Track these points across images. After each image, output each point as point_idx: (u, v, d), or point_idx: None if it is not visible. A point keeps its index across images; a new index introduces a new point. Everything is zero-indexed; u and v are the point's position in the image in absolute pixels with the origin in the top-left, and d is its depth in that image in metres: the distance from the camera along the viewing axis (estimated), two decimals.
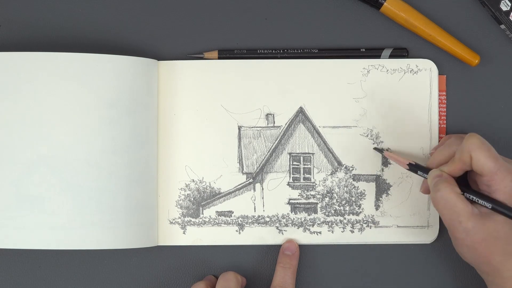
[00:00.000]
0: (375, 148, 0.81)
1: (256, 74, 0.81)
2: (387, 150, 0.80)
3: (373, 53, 0.81)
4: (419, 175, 0.77)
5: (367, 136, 0.81)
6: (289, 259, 0.80)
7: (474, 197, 0.72)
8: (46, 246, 0.76)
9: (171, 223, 0.81)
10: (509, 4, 0.80)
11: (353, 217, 0.81)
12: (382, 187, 0.81)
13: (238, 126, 0.81)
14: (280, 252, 0.80)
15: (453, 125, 0.82)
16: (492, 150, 0.72)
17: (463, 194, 0.72)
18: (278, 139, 0.81)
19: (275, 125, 0.81)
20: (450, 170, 0.73)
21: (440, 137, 0.81)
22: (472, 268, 0.81)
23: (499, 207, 0.71)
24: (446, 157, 0.75)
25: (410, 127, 0.81)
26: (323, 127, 0.81)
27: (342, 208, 0.81)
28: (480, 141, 0.72)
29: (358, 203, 0.81)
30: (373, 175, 0.81)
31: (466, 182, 0.76)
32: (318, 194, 0.81)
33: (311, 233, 0.81)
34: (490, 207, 0.71)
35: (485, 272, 0.73)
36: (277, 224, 0.81)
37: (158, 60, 0.81)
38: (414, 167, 0.77)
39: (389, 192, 0.81)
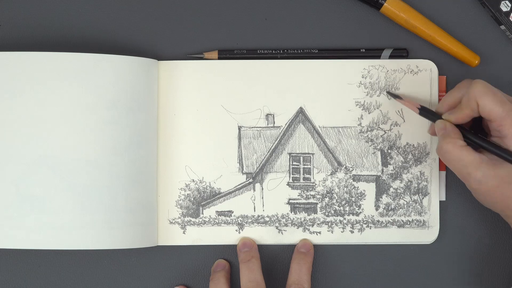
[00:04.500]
0: (388, 92, 0.80)
1: (256, 74, 0.81)
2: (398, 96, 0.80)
3: (373, 53, 0.81)
4: (428, 119, 0.76)
5: (367, 136, 0.81)
6: (304, 256, 0.79)
7: (482, 145, 0.71)
8: (46, 246, 0.76)
9: (171, 223, 0.81)
10: (509, 5, 0.80)
11: (353, 217, 0.81)
12: (382, 188, 0.81)
13: (238, 126, 0.81)
14: (295, 251, 0.80)
15: None
16: (499, 95, 0.71)
17: (468, 145, 0.71)
18: (278, 139, 0.81)
19: (275, 125, 0.81)
20: (457, 118, 0.73)
21: None
22: (471, 268, 0.81)
23: (504, 154, 0.70)
24: (455, 100, 0.74)
25: (410, 127, 0.81)
26: (323, 127, 0.81)
27: (342, 208, 0.81)
28: (486, 86, 0.71)
29: (358, 204, 0.81)
30: (373, 175, 0.81)
31: (481, 127, 0.75)
32: (318, 194, 0.81)
33: (310, 233, 0.81)
34: (496, 155, 0.70)
35: (508, 216, 0.73)
36: (277, 224, 0.81)
37: (158, 60, 0.81)
38: (424, 112, 0.76)
39: (389, 192, 0.81)
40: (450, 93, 0.75)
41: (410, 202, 0.81)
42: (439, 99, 0.81)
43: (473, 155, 0.71)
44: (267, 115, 0.81)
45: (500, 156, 0.71)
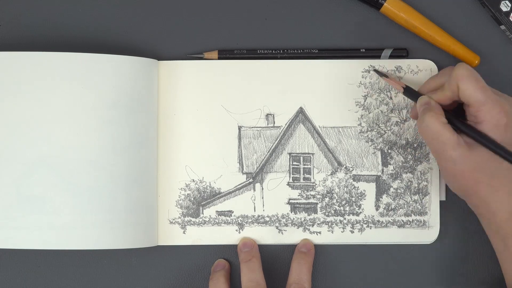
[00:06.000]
0: (375, 70, 0.80)
1: (256, 74, 0.81)
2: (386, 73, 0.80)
3: (373, 53, 0.81)
4: (411, 99, 0.77)
5: (367, 136, 0.81)
6: (305, 255, 0.79)
7: (460, 127, 0.71)
8: (46, 246, 0.76)
9: (171, 223, 0.81)
10: (509, 5, 0.80)
11: (353, 217, 0.81)
12: (382, 188, 0.81)
13: (238, 126, 0.81)
14: (296, 250, 0.80)
15: None
16: (480, 81, 0.71)
17: (449, 124, 0.71)
18: (278, 139, 0.81)
19: (275, 125, 0.81)
20: (438, 98, 0.73)
21: None
22: (471, 269, 0.81)
23: (482, 139, 0.70)
24: (438, 85, 0.74)
25: (411, 127, 0.81)
26: (323, 127, 0.81)
27: (342, 208, 0.81)
28: (468, 71, 0.71)
29: (358, 204, 0.81)
30: (373, 175, 0.81)
31: (461, 113, 0.75)
32: (318, 194, 0.81)
33: (310, 233, 0.81)
34: (474, 138, 0.71)
35: (475, 205, 0.73)
36: (277, 224, 0.81)
37: (158, 60, 0.81)
38: (408, 92, 0.77)
39: (389, 192, 0.81)
40: (433, 78, 0.76)
41: (410, 202, 0.81)
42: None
43: (453, 134, 0.71)
44: (267, 115, 0.81)
45: (478, 141, 0.70)
